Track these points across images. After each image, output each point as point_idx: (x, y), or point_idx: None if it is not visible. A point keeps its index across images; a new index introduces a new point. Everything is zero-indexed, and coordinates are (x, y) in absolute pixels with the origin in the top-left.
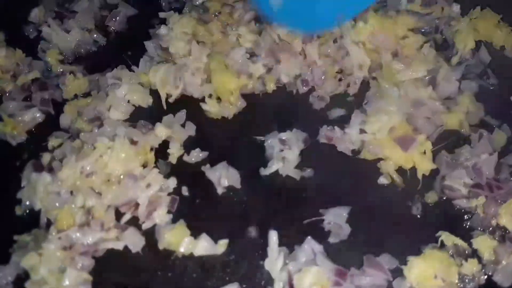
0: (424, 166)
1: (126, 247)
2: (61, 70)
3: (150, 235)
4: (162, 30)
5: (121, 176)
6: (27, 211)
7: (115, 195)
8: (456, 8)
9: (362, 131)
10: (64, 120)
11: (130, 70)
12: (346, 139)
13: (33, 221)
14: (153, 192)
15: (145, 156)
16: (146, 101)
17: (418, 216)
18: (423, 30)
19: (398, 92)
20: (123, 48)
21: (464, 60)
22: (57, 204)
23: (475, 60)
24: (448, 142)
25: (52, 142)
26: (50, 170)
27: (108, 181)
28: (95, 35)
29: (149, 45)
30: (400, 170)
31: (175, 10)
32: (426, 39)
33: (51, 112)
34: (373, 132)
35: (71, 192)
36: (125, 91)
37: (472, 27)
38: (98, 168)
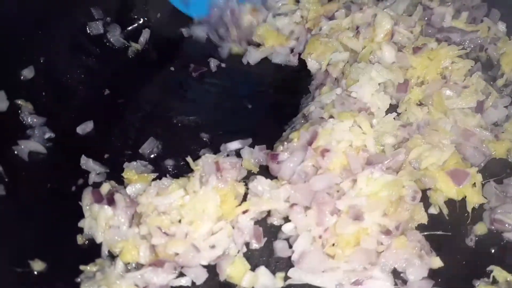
0: (475, 199)
1: None
2: None
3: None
4: None
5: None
6: (87, 240)
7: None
8: (502, 27)
9: None
10: None
11: None
12: None
13: (94, 250)
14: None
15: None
16: None
17: (473, 247)
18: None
19: (450, 123)
20: None
21: (510, 83)
22: (118, 238)
23: None
24: (496, 172)
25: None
26: (110, 202)
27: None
28: None
29: None
30: (448, 200)
31: None
32: (472, 62)
33: None
34: (427, 166)
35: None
36: None
37: None
38: (173, 209)
